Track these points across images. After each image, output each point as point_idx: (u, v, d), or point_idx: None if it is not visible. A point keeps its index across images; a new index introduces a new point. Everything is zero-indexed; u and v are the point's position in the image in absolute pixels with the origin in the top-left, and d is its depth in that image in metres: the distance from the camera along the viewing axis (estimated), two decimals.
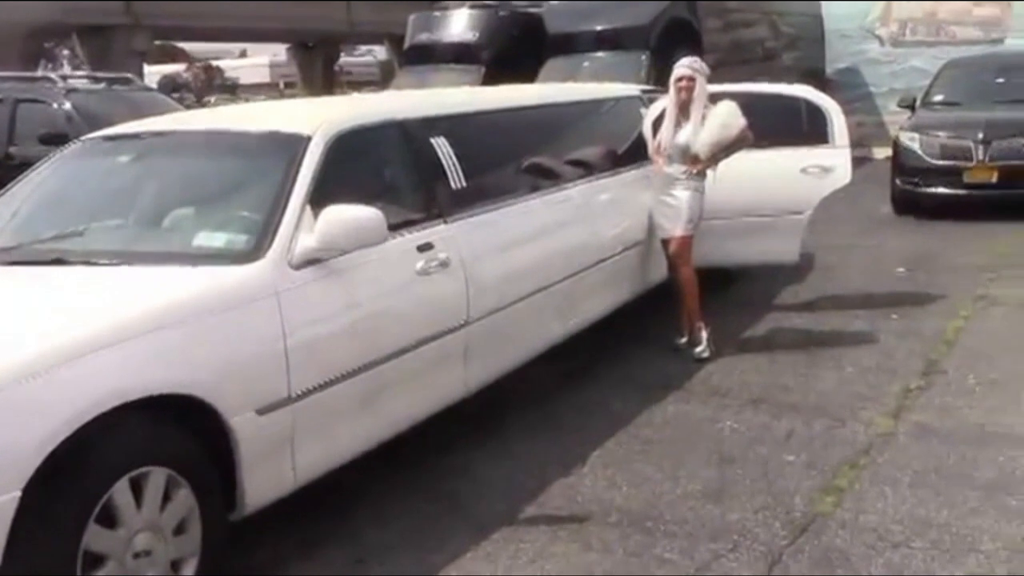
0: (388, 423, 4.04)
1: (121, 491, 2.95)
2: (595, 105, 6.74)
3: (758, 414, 4.97)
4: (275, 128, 4.23)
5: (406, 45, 15.32)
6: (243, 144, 4.30)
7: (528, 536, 3.80)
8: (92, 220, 4.22)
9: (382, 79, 46.27)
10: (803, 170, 6.41)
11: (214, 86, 63.63)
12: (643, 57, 12.21)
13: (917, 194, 10.59)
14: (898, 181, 10.76)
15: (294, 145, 3.95)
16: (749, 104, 5.94)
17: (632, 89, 7.32)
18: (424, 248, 4.19)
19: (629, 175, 6.16)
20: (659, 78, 10.48)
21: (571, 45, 13.03)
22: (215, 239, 3.77)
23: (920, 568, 3.45)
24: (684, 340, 6.06)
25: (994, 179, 10.01)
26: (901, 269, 8.09)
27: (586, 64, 12.50)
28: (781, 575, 3.46)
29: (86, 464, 2.86)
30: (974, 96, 11.44)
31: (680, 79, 5.93)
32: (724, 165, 6.00)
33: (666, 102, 6.14)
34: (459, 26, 14.47)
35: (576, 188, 5.63)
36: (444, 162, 4.55)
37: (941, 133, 10.52)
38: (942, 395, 5.13)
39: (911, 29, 16.91)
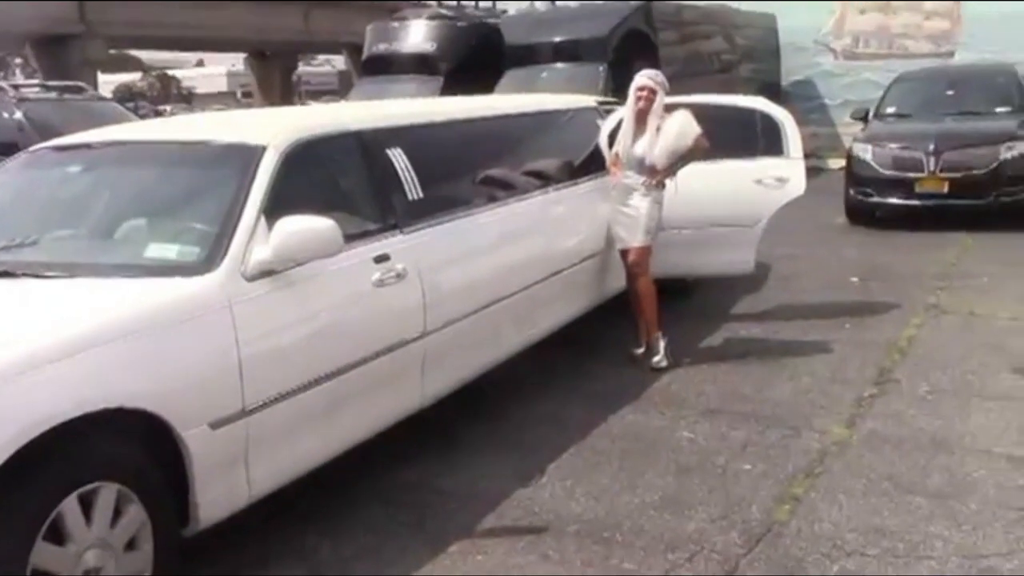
0: (344, 435, 4.02)
1: (70, 508, 2.90)
2: (552, 116, 6.75)
3: (715, 424, 5.00)
4: (229, 139, 4.20)
5: (364, 55, 15.31)
6: (197, 154, 4.26)
7: (486, 548, 3.79)
8: (42, 231, 4.15)
9: (341, 89, 46.20)
10: (758, 181, 6.46)
11: (170, 95, 63.15)
12: (601, 69, 12.29)
13: (870, 204, 10.75)
14: (852, 191, 10.90)
15: (248, 156, 3.91)
16: (704, 115, 5.97)
17: (589, 100, 7.34)
18: (380, 259, 4.17)
19: (586, 186, 6.18)
20: (617, 90, 10.57)
21: (530, 56, 13.08)
22: (167, 251, 3.72)
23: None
24: (641, 350, 6.09)
25: (945, 189, 10.18)
26: (855, 278, 8.19)
27: (544, 75, 12.56)
28: None
29: (33, 481, 2.80)
30: (925, 108, 11.65)
31: (642, 88, 5.97)
32: (680, 176, 6.04)
33: (623, 113, 6.17)
34: (417, 36, 14.48)
35: (533, 199, 5.64)
36: (401, 173, 4.53)
37: (893, 144, 10.68)
38: (895, 403, 5.19)
39: (864, 42, 17.18)
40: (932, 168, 10.16)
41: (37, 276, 3.58)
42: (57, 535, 2.88)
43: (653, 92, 5.94)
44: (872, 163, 10.62)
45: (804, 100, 16.71)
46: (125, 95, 49.36)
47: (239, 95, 61.71)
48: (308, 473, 3.85)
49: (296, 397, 3.65)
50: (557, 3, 17.33)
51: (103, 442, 3.05)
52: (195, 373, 3.28)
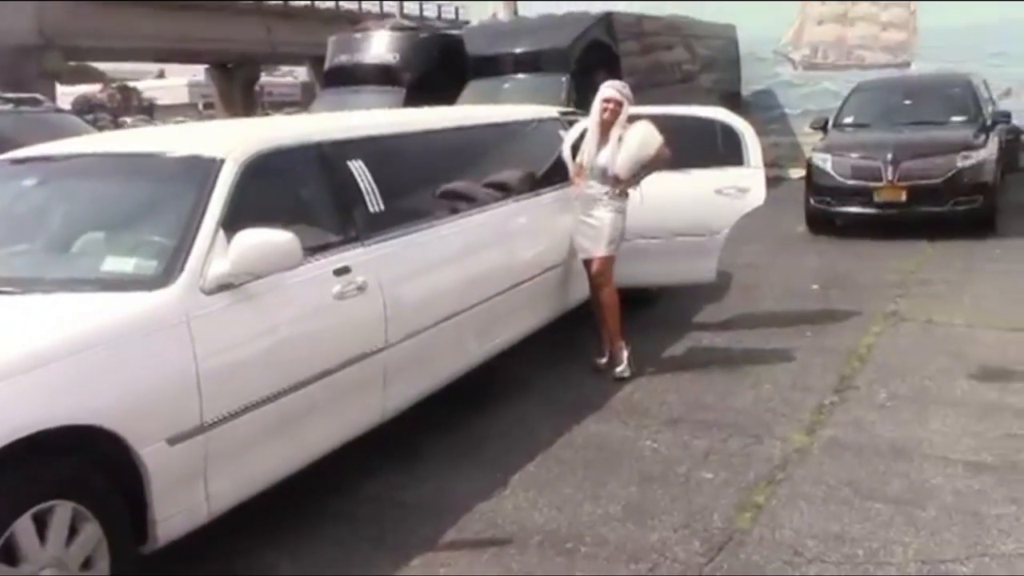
0: (305, 450, 3.99)
1: (23, 528, 2.87)
2: (514, 127, 6.76)
3: (678, 433, 5.02)
4: (188, 151, 4.16)
5: (326, 67, 15.26)
6: (156, 167, 4.22)
7: (449, 561, 3.78)
8: None
9: (304, 100, 46.07)
10: (719, 191, 6.50)
11: (131, 107, 62.55)
12: (563, 79, 12.33)
13: (830, 213, 10.85)
14: (812, 200, 11.00)
15: (207, 168, 3.88)
16: (665, 126, 6.01)
17: (551, 111, 7.37)
18: (341, 272, 4.15)
19: (549, 196, 6.19)
20: (579, 100, 10.61)
21: (492, 67, 13.10)
22: (124, 264, 3.68)
23: None
24: (604, 360, 6.10)
25: (903, 198, 10.30)
26: (816, 286, 8.27)
27: (507, 86, 12.58)
28: None
29: None
30: (883, 118, 11.79)
31: (608, 100, 5.98)
32: (642, 186, 6.06)
33: (587, 124, 6.19)
34: (380, 48, 14.46)
35: (496, 210, 5.64)
36: (362, 185, 4.52)
37: (852, 154, 10.80)
38: (855, 410, 5.24)
39: (822, 53, 17.38)
40: (890, 177, 10.28)
41: None
42: (10, 555, 2.84)
43: (619, 104, 5.97)
44: (831, 172, 10.72)
45: (764, 110, 16.87)
46: (84, 107, 48.79)
47: (201, 107, 61.24)
48: (269, 488, 3.82)
49: (256, 412, 3.62)
50: (519, 14, 17.38)
51: (58, 460, 3.01)
52: (152, 389, 3.24)
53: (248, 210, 3.79)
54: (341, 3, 49.78)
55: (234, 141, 4.14)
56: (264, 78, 59.54)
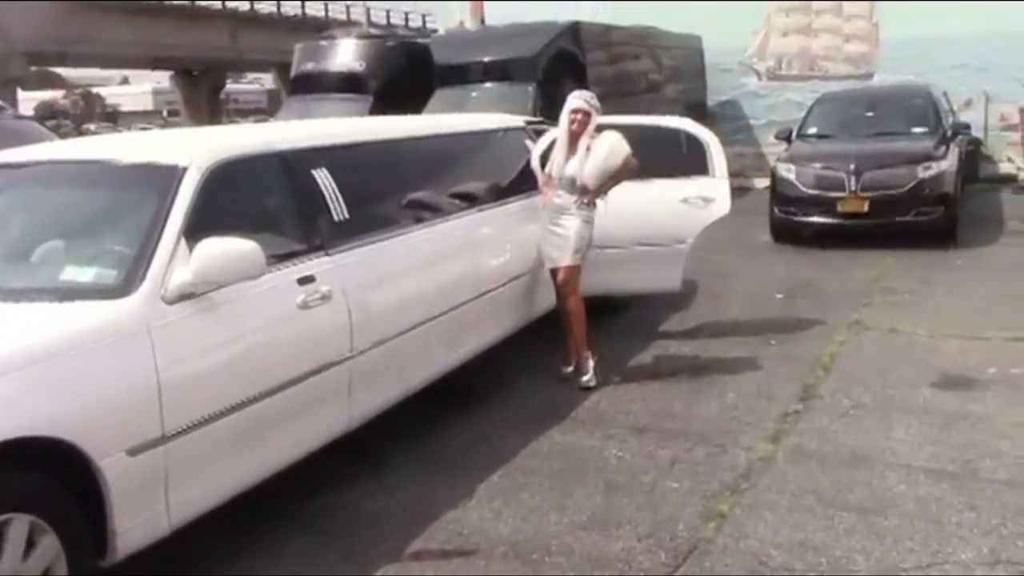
0: (269, 460, 3.95)
1: None
2: (480, 136, 6.76)
3: (643, 442, 5.02)
4: (150, 159, 4.12)
5: (292, 74, 15.21)
6: (117, 175, 4.16)
7: (415, 571, 3.77)
8: None
9: (270, 107, 45.85)
10: (684, 200, 6.53)
11: (94, 113, 61.98)
12: (530, 88, 12.35)
13: (794, 223, 10.93)
14: (776, 210, 11.08)
15: (169, 176, 3.84)
16: (631, 136, 6.02)
17: (517, 120, 7.37)
18: (305, 281, 4.12)
19: (515, 205, 6.19)
20: (546, 109, 10.63)
21: (459, 76, 13.09)
22: (84, 273, 3.63)
23: None
24: (570, 369, 6.10)
25: (866, 208, 10.40)
26: (780, 295, 8.33)
27: (474, 95, 12.57)
28: None
29: None
30: (846, 129, 11.90)
31: (576, 111, 6.00)
32: (608, 195, 6.08)
33: (555, 133, 6.20)
34: (346, 56, 14.43)
35: (461, 219, 5.63)
36: (326, 193, 4.50)
37: (816, 164, 10.89)
38: (819, 419, 5.28)
39: (787, 64, 17.54)
40: (853, 188, 10.37)
41: None
42: None
43: (587, 115, 5.98)
44: (795, 183, 10.81)
45: (730, 120, 16.98)
46: (46, 113, 48.26)
47: (165, 113, 60.84)
48: (233, 498, 3.78)
49: (219, 422, 3.58)
50: (487, 23, 17.40)
51: (15, 472, 2.96)
52: (112, 399, 3.20)
53: (211, 219, 3.75)
54: (307, 10, 49.68)
55: (197, 149, 4.11)
56: (230, 85, 59.17)
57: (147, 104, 67.00)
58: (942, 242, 10.23)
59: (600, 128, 6.03)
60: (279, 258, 4.05)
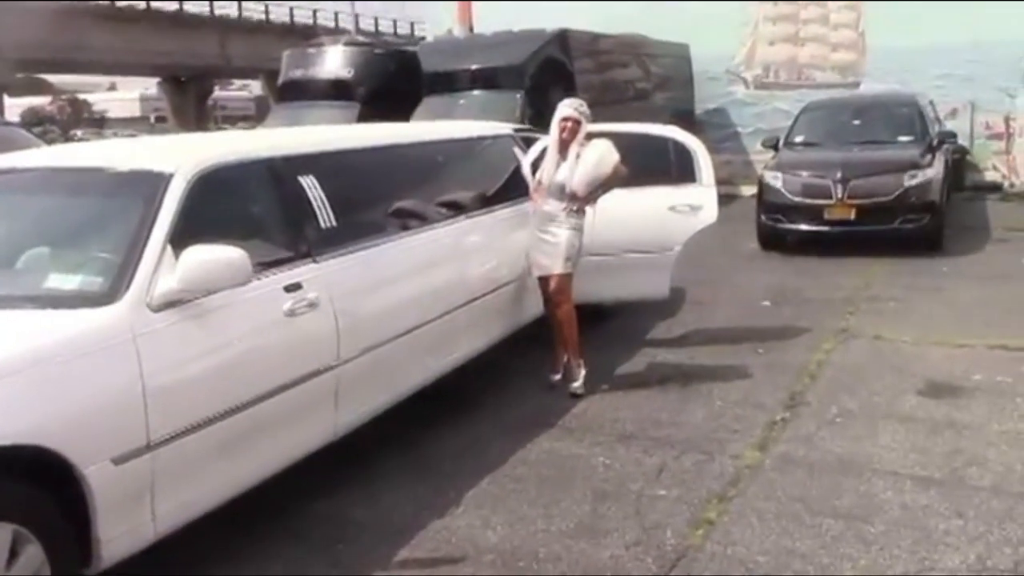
0: (256, 468, 3.94)
1: None
2: (467, 143, 6.76)
3: (631, 450, 5.02)
4: (136, 165, 4.10)
5: (280, 81, 15.17)
6: (102, 182, 4.13)
7: None
8: None
9: (258, 114, 45.78)
10: (671, 208, 6.55)
11: (81, 120, 61.81)
12: (518, 96, 12.35)
13: (781, 230, 10.97)
14: (763, 218, 11.11)
15: (155, 183, 3.82)
16: (618, 144, 6.02)
17: (504, 128, 7.37)
18: (292, 288, 4.11)
19: (502, 213, 6.19)
20: (534, 117, 10.64)
21: (447, 83, 13.10)
22: (69, 281, 3.62)
23: None
24: (558, 376, 6.10)
25: (852, 216, 10.43)
26: (767, 303, 8.35)
27: (462, 102, 12.58)
28: None
29: None
30: (832, 137, 11.94)
31: (566, 119, 6.00)
32: (596, 203, 6.09)
33: (547, 141, 6.21)
34: (334, 63, 14.41)
35: (449, 226, 5.62)
36: (313, 201, 4.49)
37: (803, 172, 10.93)
38: (806, 426, 5.29)
39: (774, 72, 17.61)
40: (840, 195, 10.41)
41: None
42: None
43: (577, 123, 5.99)
44: (782, 191, 10.84)
45: (717, 128, 17.04)
46: (33, 120, 48.11)
47: (153, 120, 60.71)
48: (219, 507, 3.76)
49: (205, 430, 3.57)
50: (474, 31, 17.42)
51: None
52: (97, 407, 3.19)
53: (197, 226, 3.74)
54: (296, 17, 49.67)
55: (183, 156, 4.09)
56: (218, 92, 59.10)
57: (134, 111, 66.85)
58: (928, 250, 10.28)
59: (590, 136, 6.04)
60: (266, 265, 4.03)
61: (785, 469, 4.70)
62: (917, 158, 10.79)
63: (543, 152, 6.24)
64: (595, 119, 6.24)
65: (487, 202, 6.19)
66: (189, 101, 48.97)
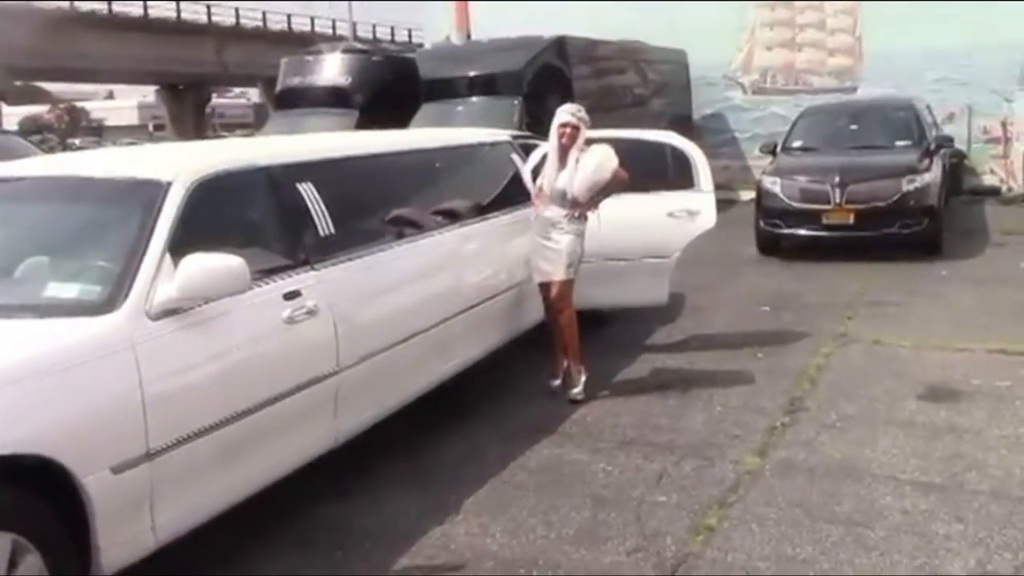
0: (256, 476, 3.93)
1: None
2: (465, 150, 6.76)
3: (631, 456, 5.02)
4: (134, 174, 4.11)
5: (278, 88, 15.20)
6: (101, 190, 4.14)
7: None
8: None
9: (257, 122, 45.81)
10: (670, 214, 6.55)
11: (79, 128, 61.84)
12: (516, 102, 12.39)
13: (780, 235, 10.98)
14: (762, 223, 11.12)
15: (153, 191, 3.82)
16: (617, 150, 6.02)
17: (502, 134, 7.37)
18: (291, 296, 4.11)
19: (501, 219, 6.19)
20: (532, 123, 10.66)
21: (445, 90, 13.12)
22: (68, 290, 3.62)
23: None
24: (558, 382, 6.10)
25: (851, 220, 10.44)
26: (766, 308, 8.35)
27: (460, 109, 12.60)
28: None
29: None
30: (830, 142, 11.97)
31: (564, 125, 6.01)
32: (600, 210, 6.09)
33: (547, 148, 6.21)
34: (332, 70, 14.44)
35: (448, 233, 5.62)
36: (312, 208, 4.49)
37: (801, 177, 10.93)
38: (806, 432, 5.28)
39: (771, 77, 17.64)
40: (838, 200, 10.42)
41: None
42: None
43: (576, 128, 5.99)
44: (781, 195, 10.85)
45: (715, 133, 17.07)
46: (31, 128, 48.15)
47: (151, 128, 60.75)
48: (219, 514, 3.75)
49: (204, 438, 3.56)
50: (472, 37, 17.44)
51: None
52: (96, 416, 3.18)
53: (196, 234, 3.74)
54: (293, 25, 49.72)
55: (182, 164, 4.10)
56: (216, 99, 59.15)
57: (132, 118, 66.91)
58: (927, 254, 10.30)
59: (589, 142, 6.04)
60: (265, 273, 4.03)
61: (785, 474, 4.70)
62: (915, 162, 10.81)
63: (544, 158, 6.24)
64: (593, 125, 6.25)
65: (485, 209, 6.19)
66: (187, 109, 48.98)
